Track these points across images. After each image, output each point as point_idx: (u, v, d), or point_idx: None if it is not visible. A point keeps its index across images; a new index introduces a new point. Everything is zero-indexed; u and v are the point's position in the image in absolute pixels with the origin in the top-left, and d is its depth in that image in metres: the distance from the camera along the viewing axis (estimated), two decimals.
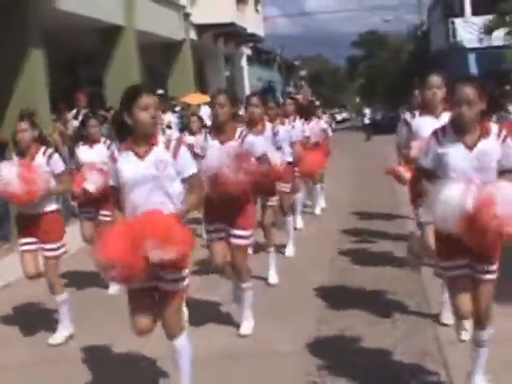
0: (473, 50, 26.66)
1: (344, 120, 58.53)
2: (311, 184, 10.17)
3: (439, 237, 3.36)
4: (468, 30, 27.36)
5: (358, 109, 55.59)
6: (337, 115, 56.85)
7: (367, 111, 34.12)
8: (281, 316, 5.27)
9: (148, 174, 3.39)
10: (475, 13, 27.96)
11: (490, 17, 20.46)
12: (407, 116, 5.08)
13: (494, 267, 3.38)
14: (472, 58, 28.27)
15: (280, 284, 6.28)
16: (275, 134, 5.96)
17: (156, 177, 3.39)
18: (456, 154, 3.31)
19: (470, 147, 3.32)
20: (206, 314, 5.40)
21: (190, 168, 3.49)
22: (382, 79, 43.75)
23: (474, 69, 28.23)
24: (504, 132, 3.40)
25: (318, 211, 10.34)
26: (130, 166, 3.41)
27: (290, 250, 7.52)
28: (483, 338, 3.47)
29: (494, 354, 3.60)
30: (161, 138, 3.50)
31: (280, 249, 7.32)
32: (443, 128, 3.41)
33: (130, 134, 3.45)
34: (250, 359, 4.43)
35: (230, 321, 5.19)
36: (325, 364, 4.20)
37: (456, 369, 3.88)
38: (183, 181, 3.47)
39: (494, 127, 3.41)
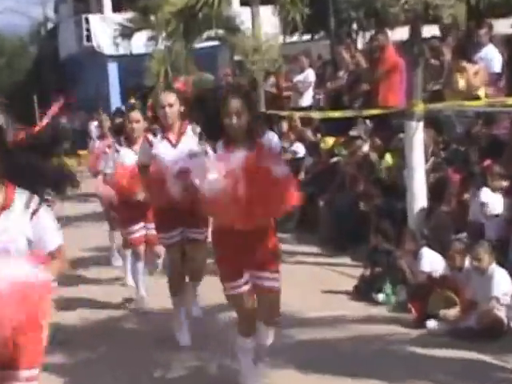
0: (114, 57, 27.52)
1: None
2: None
3: None
4: (107, 31, 28.17)
5: None
6: None
7: None
8: None
9: None
10: (117, 9, 28.54)
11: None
12: None
13: None
14: (113, 67, 29.31)
15: None
16: None
17: None
18: None
19: None
20: None
21: None
22: None
23: (115, 81, 29.29)
24: (34, 204, 3.43)
25: None
26: None
27: None
28: None
29: None
30: None
31: None
32: None
33: None
34: None
35: None
36: None
37: None
38: None
39: (20, 195, 3.43)
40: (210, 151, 5.00)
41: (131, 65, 25.81)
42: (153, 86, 16.33)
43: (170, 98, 6.44)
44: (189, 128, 6.47)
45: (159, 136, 6.46)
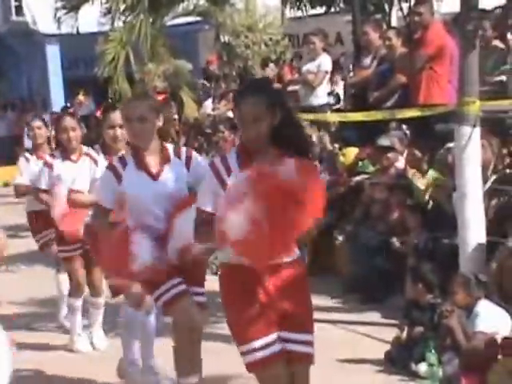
0: (54, 37, 27.69)
1: None
2: None
3: None
4: (45, 1, 28.34)
5: None
6: None
7: None
8: None
9: None
10: None
11: None
12: None
13: None
14: (54, 51, 29.41)
15: None
16: None
17: None
18: None
19: None
20: None
21: None
22: None
23: (56, 69, 29.39)
24: None
25: None
26: None
27: None
28: None
29: None
30: None
31: None
32: None
33: None
34: None
35: None
36: None
37: None
38: None
39: None
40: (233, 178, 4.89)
41: (78, 48, 25.88)
42: (108, 78, 16.42)
43: (139, 108, 6.16)
44: (171, 149, 6.28)
45: (131, 162, 6.17)
